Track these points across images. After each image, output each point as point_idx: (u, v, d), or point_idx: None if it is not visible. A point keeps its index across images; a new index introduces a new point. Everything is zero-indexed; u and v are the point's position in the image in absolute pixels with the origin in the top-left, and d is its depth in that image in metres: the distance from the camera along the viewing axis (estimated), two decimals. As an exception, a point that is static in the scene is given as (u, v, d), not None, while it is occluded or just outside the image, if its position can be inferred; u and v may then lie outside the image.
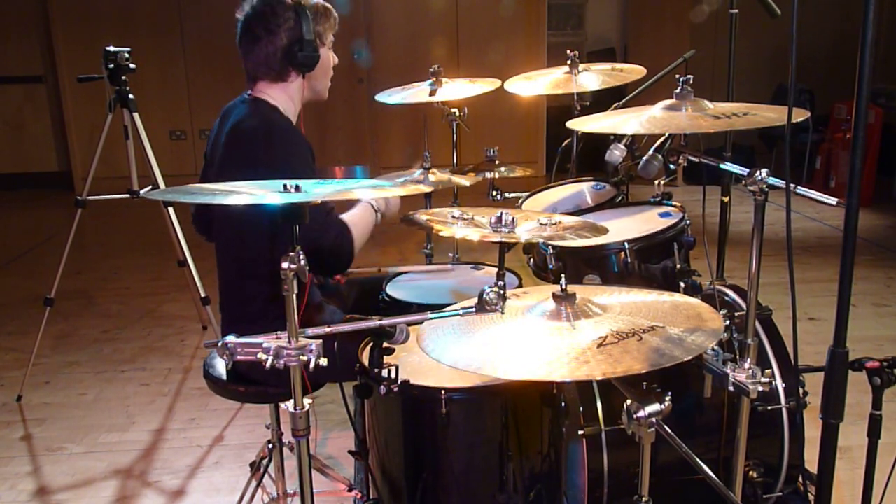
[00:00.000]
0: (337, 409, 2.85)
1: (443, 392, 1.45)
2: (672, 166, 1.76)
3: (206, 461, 2.62)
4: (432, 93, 2.46)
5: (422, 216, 1.66)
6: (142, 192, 3.12)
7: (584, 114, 1.99)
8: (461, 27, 6.99)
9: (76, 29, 6.57)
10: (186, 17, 6.70)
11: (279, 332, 1.22)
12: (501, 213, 1.49)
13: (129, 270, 4.76)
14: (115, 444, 2.73)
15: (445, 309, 1.33)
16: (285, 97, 1.90)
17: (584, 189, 2.43)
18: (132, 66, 3.02)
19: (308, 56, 1.84)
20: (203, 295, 3.31)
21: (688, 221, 1.94)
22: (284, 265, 1.19)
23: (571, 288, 1.31)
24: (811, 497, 1.96)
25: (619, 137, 1.90)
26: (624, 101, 2.18)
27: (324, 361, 1.22)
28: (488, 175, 2.42)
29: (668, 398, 1.26)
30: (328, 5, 1.93)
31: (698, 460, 1.38)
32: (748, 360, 1.48)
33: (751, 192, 1.44)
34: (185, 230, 3.24)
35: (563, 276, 1.32)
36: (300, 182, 1.28)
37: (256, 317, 1.88)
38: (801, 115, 1.44)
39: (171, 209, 3.21)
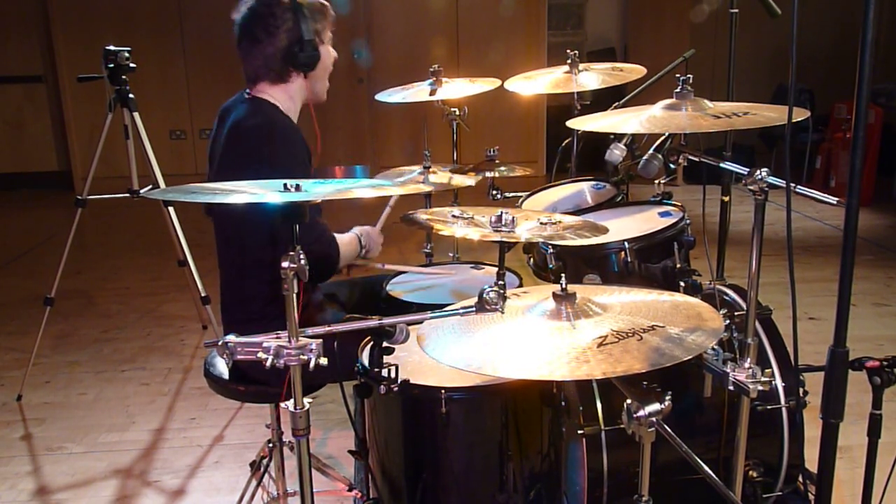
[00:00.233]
0: (337, 409, 2.85)
1: (443, 392, 1.45)
2: (672, 166, 1.76)
3: (206, 461, 2.62)
4: (432, 92, 2.46)
5: (422, 216, 1.66)
6: (142, 191, 3.12)
7: (584, 113, 1.99)
8: (461, 27, 6.99)
9: (76, 29, 6.57)
10: (186, 17, 6.70)
11: (279, 332, 1.22)
12: (501, 213, 1.49)
13: (129, 270, 4.76)
14: (115, 444, 2.73)
15: (445, 309, 1.33)
16: (286, 97, 1.90)
17: (584, 189, 2.43)
18: (132, 65, 3.02)
19: (309, 56, 1.84)
20: (203, 294, 3.31)
21: (688, 221, 1.94)
22: (284, 265, 1.19)
23: (571, 287, 1.31)
24: (811, 497, 1.96)
25: (619, 137, 1.90)
26: (624, 100, 2.18)
27: (324, 361, 1.22)
28: (488, 175, 2.42)
29: (668, 398, 1.26)
30: (323, 1, 1.91)
31: (698, 460, 1.38)
32: (748, 360, 1.48)
33: (751, 191, 1.44)
34: (185, 230, 3.24)
35: (563, 275, 1.32)
36: (300, 182, 1.28)
37: (257, 316, 1.88)
38: (801, 114, 1.44)
39: (171, 209, 3.21)
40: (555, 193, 2.45)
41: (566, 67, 2.41)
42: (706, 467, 1.38)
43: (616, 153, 1.88)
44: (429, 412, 1.49)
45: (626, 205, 2.24)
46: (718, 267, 2.54)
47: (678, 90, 1.65)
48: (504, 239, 1.47)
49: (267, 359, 1.20)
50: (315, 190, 1.29)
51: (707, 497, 1.51)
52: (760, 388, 1.43)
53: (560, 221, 1.59)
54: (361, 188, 1.44)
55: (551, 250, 1.98)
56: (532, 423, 1.58)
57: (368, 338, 1.42)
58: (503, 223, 1.48)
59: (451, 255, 2.65)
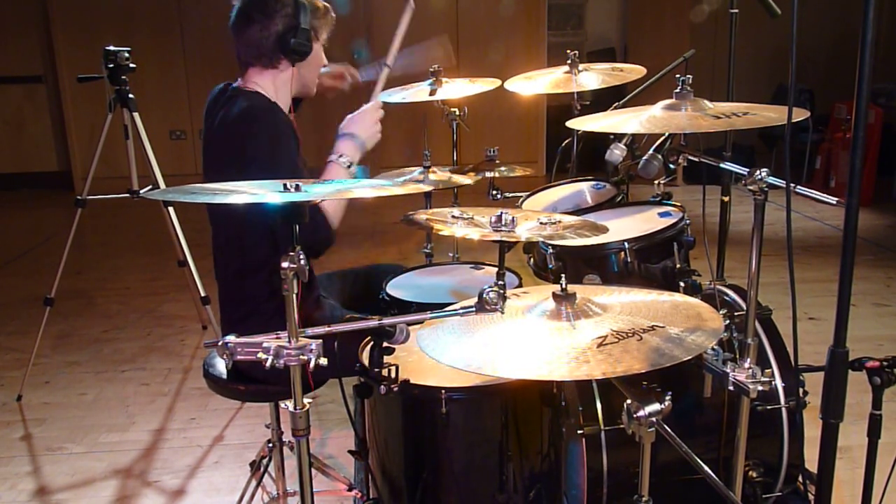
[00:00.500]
0: (337, 409, 2.85)
1: (443, 392, 1.45)
2: (672, 166, 1.76)
3: (206, 461, 2.62)
4: (432, 92, 2.46)
5: (422, 216, 1.66)
6: (142, 191, 3.12)
7: (584, 113, 1.99)
8: (461, 27, 6.99)
9: (76, 29, 6.57)
10: (186, 17, 6.69)
11: (279, 332, 1.22)
12: (501, 213, 1.49)
13: (129, 270, 4.75)
14: (115, 444, 2.73)
15: (445, 309, 1.33)
16: (273, 86, 1.91)
17: (584, 189, 2.43)
18: (132, 65, 3.02)
19: (300, 44, 1.85)
20: (203, 295, 3.31)
21: (688, 221, 1.94)
22: (284, 265, 1.19)
23: (571, 287, 1.31)
24: (811, 497, 1.96)
25: (619, 137, 1.90)
26: (624, 100, 2.18)
27: (324, 361, 1.22)
28: (488, 175, 2.42)
29: (668, 398, 1.26)
30: (328, 6, 1.94)
31: (698, 460, 1.38)
32: (748, 360, 1.48)
33: (751, 191, 1.44)
34: (185, 230, 3.24)
35: (563, 275, 1.32)
36: (300, 182, 1.28)
37: (255, 316, 1.88)
38: (801, 114, 1.44)
39: (171, 209, 3.21)
40: (555, 193, 2.45)
41: (566, 67, 2.41)
42: (706, 467, 1.38)
43: (616, 153, 1.88)
44: (429, 412, 1.49)
45: (626, 205, 2.24)
46: (718, 267, 2.55)
47: (678, 90, 1.65)
48: (504, 239, 1.47)
49: (267, 359, 1.20)
50: (315, 190, 1.29)
51: (707, 497, 1.51)
52: (760, 388, 1.43)
53: (560, 221, 1.59)
54: (361, 188, 1.44)
55: (551, 250, 1.98)
56: (532, 423, 1.58)
57: (368, 338, 1.41)
58: (503, 223, 1.48)
59: (451, 255, 2.65)
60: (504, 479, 1.55)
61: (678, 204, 2.09)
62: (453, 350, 1.25)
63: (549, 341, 1.21)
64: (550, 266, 1.98)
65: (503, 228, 1.48)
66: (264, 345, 1.21)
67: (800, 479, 1.98)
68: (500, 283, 1.53)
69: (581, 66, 2.39)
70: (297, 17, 1.83)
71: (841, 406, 1.33)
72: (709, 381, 1.58)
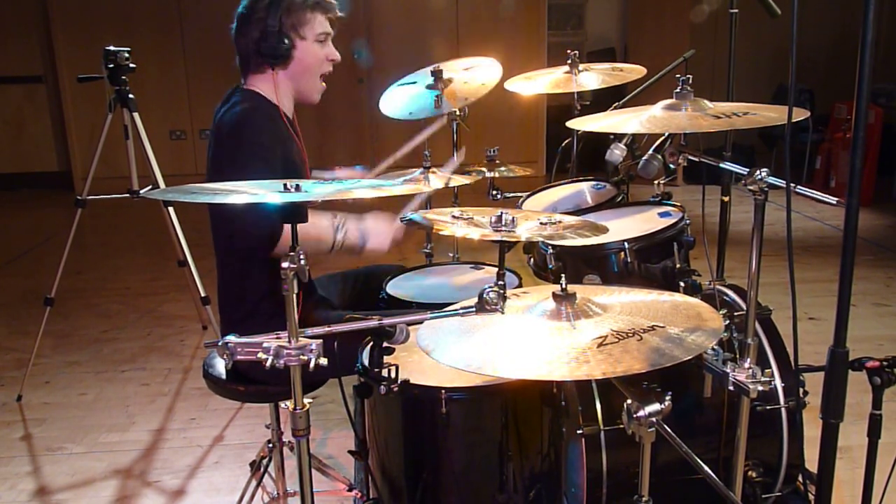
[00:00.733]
0: (337, 409, 2.85)
1: (443, 392, 1.45)
2: (672, 166, 1.76)
3: (206, 461, 2.61)
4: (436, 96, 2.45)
5: (422, 216, 1.66)
6: (142, 191, 3.12)
7: (584, 113, 1.99)
8: (461, 27, 6.99)
9: (76, 29, 6.57)
10: (186, 17, 6.69)
11: (279, 332, 1.22)
12: (501, 213, 1.49)
13: (129, 270, 4.75)
14: (115, 444, 2.73)
15: (445, 309, 1.33)
16: (271, 89, 1.91)
17: (584, 189, 2.43)
18: (132, 65, 3.02)
19: (270, 48, 1.83)
20: (203, 295, 3.31)
21: (688, 221, 1.94)
22: (284, 265, 1.19)
23: (571, 287, 1.31)
24: (811, 497, 1.96)
25: (619, 137, 1.90)
26: (624, 100, 2.18)
27: (324, 361, 1.22)
28: (488, 175, 2.42)
29: (668, 398, 1.26)
30: (317, 2, 1.89)
31: (698, 460, 1.38)
32: (748, 360, 1.48)
33: (751, 191, 1.45)
34: (185, 230, 3.24)
35: (563, 275, 1.32)
36: (300, 182, 1.28)
37: (255, 316, 1.88)
38: (801, 114, 1.44)
39: (171, 209, 3.21)
40: (555, 193, 2.45)
41: (566, 67, 2.41)
42: (706, 467, 1.38)
43: (616, 153, 1.88)
44: (429, 412, 1.49)
45: (626, 205, 2.24)
46: (718, 267, 2.54)
47: (678, 90, 1.65)
48: (504, 239, 1.47)
49: (267, 359, 1.20)
50: (315, 190, 1.29)
51: (707, 497, 1.51)
52: (760, 388, 1.43)
53: (560, 221, 1.59)
54: (361, 188, 1.44)
55: (551, 250, 1.98)
56: (532, 423, 1.58)
57: (368, 338, 1.41)
58: (503, 223, 1.48)
59: (451, 255, 2.65)
60: (504, 479, 1.55)
61: (678, 204, 2.09)
62: (453, 350, 1.25)
63: (549, 341, 1.21)
64: (550, 266, 1.98)
65: (503, 228, 1.48)
66: (264, 345, 1.21)
67: (800, 479, 1.98)
68: (500, 283, 1.53)
69: (581, 66, 2.39)
70: (267, 20, 1.81)
71: (841, 406, 1.33)
72: (709, 381, 1.58)
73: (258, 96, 1.88)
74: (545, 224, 1.56)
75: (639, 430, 1.28)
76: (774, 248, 4.35)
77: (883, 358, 1.49)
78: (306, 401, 1.30)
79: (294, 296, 1.21)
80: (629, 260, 1.87)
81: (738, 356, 1.50)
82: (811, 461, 1.62)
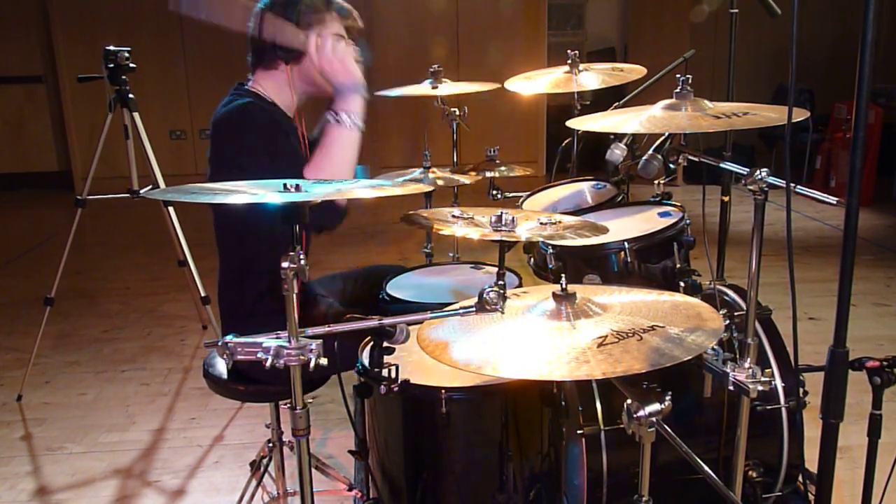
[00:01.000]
0: (337, 409, 2.85)
1: (443, 392, 1.46)
2: (672, 166, 1.76)
3: (206, 461, 2.62)
4: (434, 86, 2.46)
5: (422, 216, 1.66)
6: (142, 191, 3.12)
7: (584, 113, 1.98)
8: (461, 27, 6.99)
9: (76, 29, 6.57)
10: (186, 18, 6.69)
11: (279, 332, 1.22)
12: (501, 213, 1.49)
13: (129, 270, 4.75)
14: (115, 444, 2.73)
15: (445, 309, 1.33)
16: (275, 87, 1.91)
17: (584, 189, 2.43)
18: (132, 65, 3.02)
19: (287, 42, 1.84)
20: (203, 295, 3.31)
21: (688, 221, 1.94)
22: (284, 265, 1.19)
23: (571, 287, 1.31)
24: (811, 497, 1.96)
25: (619, 137, 1.90)
26: (624, 100, 2.18)
27: (324, 361, 1.22)
28: (488, 175, 2.42)
29: (668, 398, 1.26)
30: None
31: (698, 460, 1.38)
32: (748, 360, 1.48)
33: (751, 191, 1.44)
34: (185, 230, 3.24)
35: (563, 275, 1.32)
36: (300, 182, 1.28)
37: (255, 316, 1.88)
38: (801, 114, 1.44)
39: (171, 209, 3.21)
40: (555, 193, 2.45)
41: (566, 67, 2.41)
42: (706, 467, 1.38)
43: (616, 153, 1.88)
44: (429, 412, 1.49)
45: (626, 205, 2.24)
46: (718, 267, 2.55)
47: (678, 90, 1.65)
48: (504, 239, 1.47)
49: (267, 359, 1.20)
50: (315, 190, 1.29)
51: (707, 497, 1.51)
52: (760, 388, 1.43)
53: (560, 221, 1.59)
54: (361, 188, 1.44)
55: (551, 250, 1.98)
56: (532, 423, 1.58)
57: (368, 338, 1.41)
58: (503, 223, 1.48)
59: (451, 255, 2.65)
60: (504, 479, 1.55)
61: (678, 204, 2.09)
62: (453, 350, 1.25)
63: (549, 341, 1.21)
64: (550, 266, 1.98)
65: (503, 228, 1.48)
66: (264, 345, 1.21)
67: (800, 478, 1.98)
68: (500, 283, 1.53)
69: (581, 66, 2.39)
70: (283, 16, 1.84)
71: (841, 406, 1.33)
72: (709, 381, 1.58)
73: (251, 94, 1.88)
74: (545, 224, 1.56)
75: (639, 430, 1.28)
76: (774, 247, 4.35)
77: (883, 358, 1.49)
78: (307, 400, 1.30)
79: (294, 296, 1.21)
80: (629, 260, 1.87)
81: (738, 356, 1.50)
82: (811, 461, 1.62)
